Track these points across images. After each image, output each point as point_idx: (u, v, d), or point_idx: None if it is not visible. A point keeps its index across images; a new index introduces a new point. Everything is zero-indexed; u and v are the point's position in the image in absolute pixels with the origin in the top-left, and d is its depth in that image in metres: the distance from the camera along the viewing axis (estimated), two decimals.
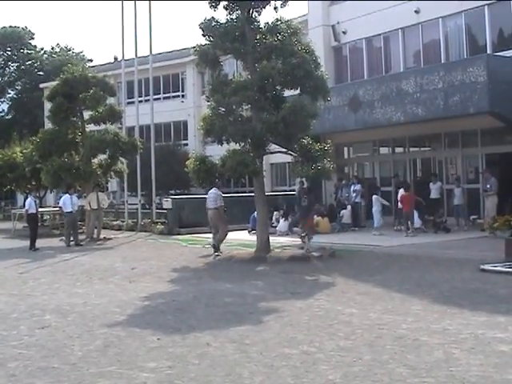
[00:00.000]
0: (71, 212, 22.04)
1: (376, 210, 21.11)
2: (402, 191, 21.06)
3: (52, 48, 65.26)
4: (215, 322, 8.99)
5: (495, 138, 22.28)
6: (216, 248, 17.00)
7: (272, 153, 17.68)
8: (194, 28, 31.86)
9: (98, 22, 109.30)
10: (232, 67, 29.26)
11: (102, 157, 25.39)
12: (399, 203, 20.99)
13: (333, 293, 11.17)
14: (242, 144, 16.45)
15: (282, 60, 15.97)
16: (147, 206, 30.96)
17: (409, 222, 20.32)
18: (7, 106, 63.48)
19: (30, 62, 62.72)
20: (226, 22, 16.48)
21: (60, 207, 22.85)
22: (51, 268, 15.67)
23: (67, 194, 22.53)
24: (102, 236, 23.50)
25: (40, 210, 24.90)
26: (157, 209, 27.94)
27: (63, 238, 22.78)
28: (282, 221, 23.20)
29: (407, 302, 10.08)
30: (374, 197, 21.35)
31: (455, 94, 19.46)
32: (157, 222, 26.24)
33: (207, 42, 16.71)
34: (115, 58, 52.53)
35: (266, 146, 16.68)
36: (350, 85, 25.78)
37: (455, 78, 19.53)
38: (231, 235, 22.18)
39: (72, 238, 21.78)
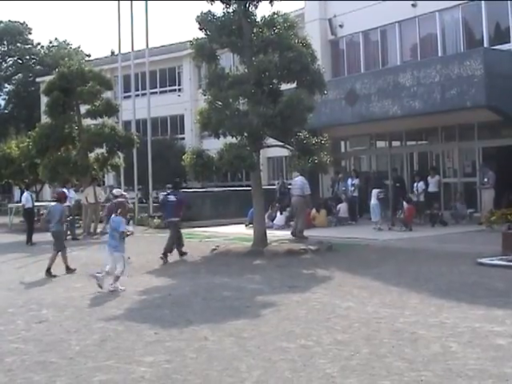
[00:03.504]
0: (68, 206, 21.98)
1: (375, 203, 20.94)
2: (420, 184, 21.64)
3: (50, 42, 65.16)
4: (212, 316, 8.99)
5: (492, 131, 22.27)
6: (295, 235, 17.45)
7: (269, 146, 17.65)
8: (190, 22, 31.70)
9: (94, 17, 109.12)
10: (229, 61, 29.22)
11: (99, 151, 25.36)
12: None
13: (330, 286, 11.17)
14: (239, 138, 16.42)
15: (279, 54, 15.95)
16: (144, 200, 30.90)
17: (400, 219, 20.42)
18: (4, 100, 63.34)
19: (27, 57, 62.52)
20: (223, 16, 16.43)
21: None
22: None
23: (64, 189, 22.49)
24: (98, 230, 23.45)
25: (36, 204, 24.83)
26: (154, 203, 27.88)
27: None
28: (278, 214, 23.16)
29: (404, 295, 10.08)
30: (374, 191, 21.16)
31: (452, 88, 19.43)
32: (154, 216, 26.18)
33: (204, 36, 16.66)
34: (112, 52, 52.50)
35: (262, 140, 16.65)
36: (346, 78, 25.76)
37: (452, 72, 19.50)
38: (227, 229, 22.25)
39: (69, 233, 21.73)
